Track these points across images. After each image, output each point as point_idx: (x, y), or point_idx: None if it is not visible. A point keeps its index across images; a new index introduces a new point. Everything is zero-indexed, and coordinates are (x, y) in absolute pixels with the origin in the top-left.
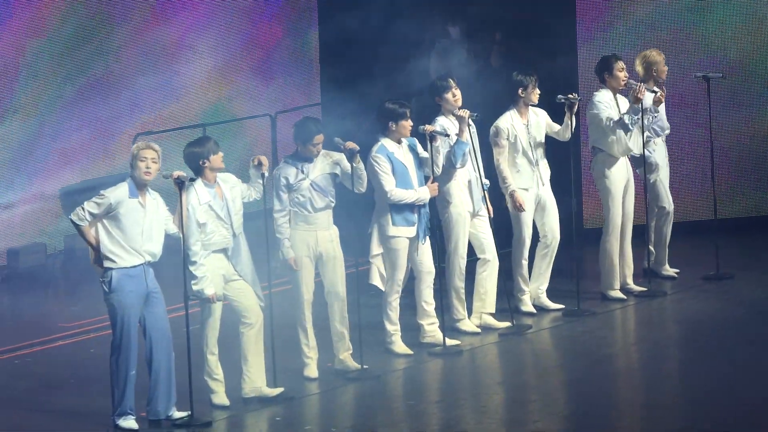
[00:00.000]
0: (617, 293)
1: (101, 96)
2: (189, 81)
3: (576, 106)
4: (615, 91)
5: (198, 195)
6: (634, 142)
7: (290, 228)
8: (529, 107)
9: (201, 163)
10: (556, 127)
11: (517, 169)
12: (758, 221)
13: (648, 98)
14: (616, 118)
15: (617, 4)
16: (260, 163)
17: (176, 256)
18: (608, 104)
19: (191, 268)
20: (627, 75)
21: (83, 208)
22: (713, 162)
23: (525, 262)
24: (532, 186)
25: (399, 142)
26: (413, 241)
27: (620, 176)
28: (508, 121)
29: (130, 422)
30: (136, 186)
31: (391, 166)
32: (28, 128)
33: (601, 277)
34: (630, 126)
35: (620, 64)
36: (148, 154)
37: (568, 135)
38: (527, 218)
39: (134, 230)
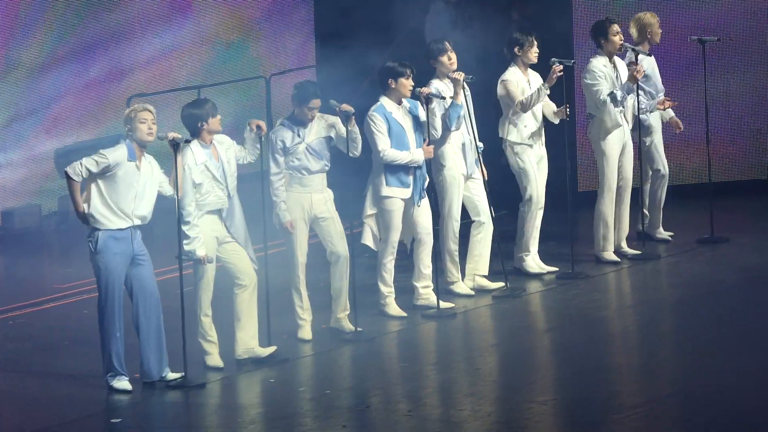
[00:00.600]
0: (611, 256)
1: (95, 57)
2: (183, 42)
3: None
4: (611, 56)
5: (194, 155)
6: (629, 114)
7: (286, 191)
8: (528, 69)
9: (199, 125)
10: (551, 106)
11: (524, 123)
12: (753, 184)
13: (646, 62)
14: (608, 90)
15: None
16: (259, 128)
17: (170, 217)
18: (603, 72)
19: (184, 227)
20: (622, 38)
21: (81, 164)
22: (708, 125)
23: (537, 222)
24: (536, 144)
25: (399, 102)
26: (408, 204)
27: (616, 139)
28: (515, 76)
29: (123, 383)
30: (134, 148)
31: (387, 126)
32: (21, 89)
33: (594, 240)
34: (621, 102)
35: (614, 27)
36: (147, 116)
37: (556, 121)
38: (533, 175)
39: (128, 193)
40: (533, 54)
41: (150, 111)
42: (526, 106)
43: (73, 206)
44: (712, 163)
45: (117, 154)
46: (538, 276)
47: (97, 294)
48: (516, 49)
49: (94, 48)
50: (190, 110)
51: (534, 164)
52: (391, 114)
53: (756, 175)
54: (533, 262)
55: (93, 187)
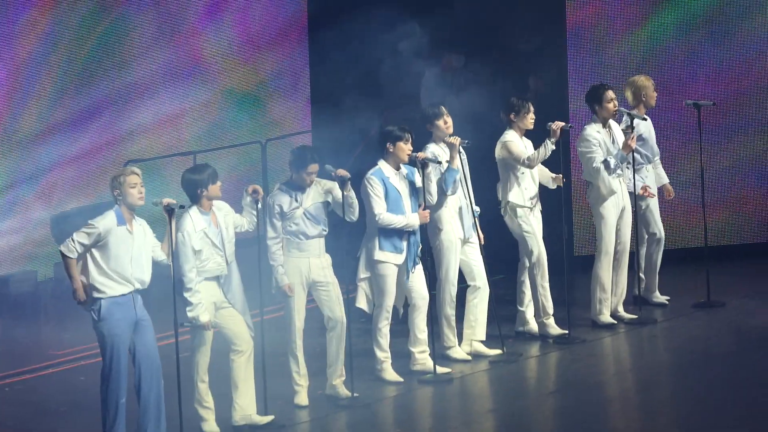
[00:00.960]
0: (608, 319)
1: (90, 123)
2: (178, 108)
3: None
4: (605, 121)
5: (193, 222)
6: (619, 184)
7: (283, 255)
8: (523, 135)
9: (199, 191)
10: (547, 172)
11: (524, 186)
12: (749, 248)
13: (642, 126)
14: (602, 157)
15: (607, 30)
16: (255, 191)
17: (165, 283)
18: (597, 140)
19: (186, 294)
20: (617, 105)
21: (73, 240)
22: (704, 189)
23: (547, 284)
24: (535, 207)
25: (397, 168)
26: (402, 270)
27: (614, 204)
28: (515, 137)
29: None
30: (123, 213)
31: (384, 190)
32: (17, 156)
33: (591, 304)
34: (614, 169)
35: (609, 94)
36: (136, 180)
37: (553, 186)
38: (539, 237)
39: (123, 258)
40: (529, 120)
41: (137, 174)
42: (532, 162)
43: (71, 284)
44: (708, 226)
45: (106, 221)
46: (542, 339)
47: (96, 360)
48: (512, 116)
49: (90, 114)
50: (190, 176)
51: (536, 226)
52: (389, 179)
53: (752, 239)
54: (555, 323)
55: (88, 258)
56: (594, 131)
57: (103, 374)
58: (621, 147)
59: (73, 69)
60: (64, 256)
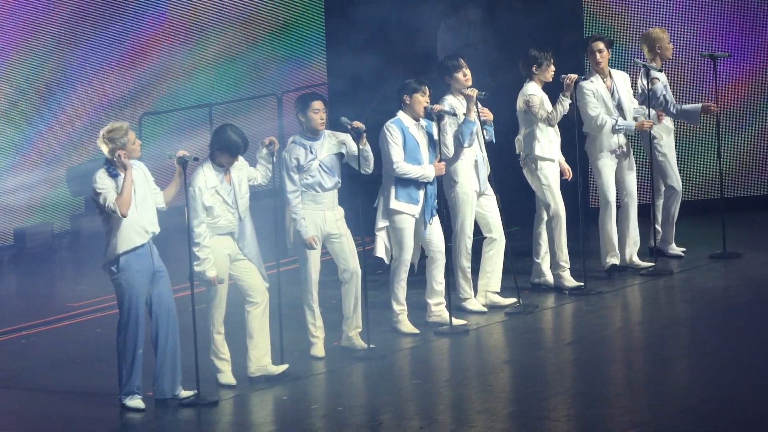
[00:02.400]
0: (613, 261)
1: (107, 77)
2: (195, 61)
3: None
4: (601, 73)
5: (206, 178)
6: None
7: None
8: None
9: (216, 152)
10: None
11: (549, 139)
12: (765, 199)
13: (663, 79)
14: (599, 111)
15: None
16: (272, 143)
17: (183, 236)
18: (591, 91)
19: (194, 249)
20: (598, 58)
21: (100, 194)
22: (719, 140)
23: (564, 237)
24: (556, 160)
25: (416, 120)
26: (419, 221)
27: (612, 157)
28: (537, 90)
29: (136, 401)
30: (117, 168)
31: (402, 139)
32: (34, 109)
33: (600, 252)
34: (617, 131)
35: (592, 46)
36: (134, 135)
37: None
38: (556, 191)
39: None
40: (550, 73)
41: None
42: (552, 120)
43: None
44: (723, 178)
45: (106, 182)
46: (557, 291)
47: (112, 312)
48: (534, 68)
49: (106, 68)
50: (224, 132)
51: (554, 179)
52: (408, 129)
53: (767, 190)
54: (570, 275)
55: (101, 222)
56: (588, 83)
57: (120, 325)
58: (636, 126)
59: (88, 19)
60: (111, 203)
